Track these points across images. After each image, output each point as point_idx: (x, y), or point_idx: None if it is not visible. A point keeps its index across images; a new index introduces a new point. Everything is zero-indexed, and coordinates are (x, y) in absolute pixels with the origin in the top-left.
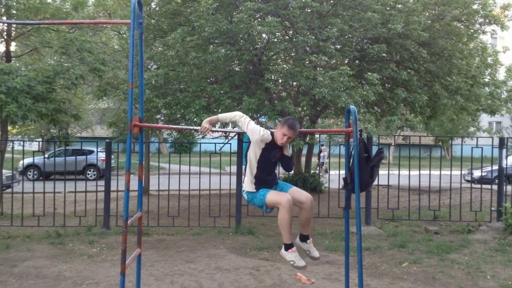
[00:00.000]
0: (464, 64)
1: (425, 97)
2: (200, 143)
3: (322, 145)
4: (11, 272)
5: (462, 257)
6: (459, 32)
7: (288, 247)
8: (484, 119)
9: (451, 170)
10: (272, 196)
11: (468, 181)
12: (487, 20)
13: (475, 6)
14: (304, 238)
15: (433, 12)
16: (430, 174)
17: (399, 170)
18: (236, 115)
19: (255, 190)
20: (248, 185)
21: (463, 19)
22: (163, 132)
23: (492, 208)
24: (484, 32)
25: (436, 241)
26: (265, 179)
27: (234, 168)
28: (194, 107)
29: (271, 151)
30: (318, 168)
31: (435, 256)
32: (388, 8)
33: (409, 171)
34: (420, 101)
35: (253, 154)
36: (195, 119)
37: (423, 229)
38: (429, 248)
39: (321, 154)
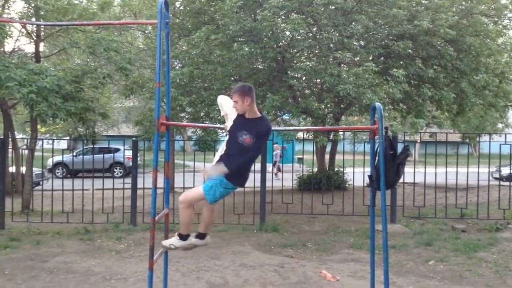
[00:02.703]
0: (491, 62)
1: (452, 95)
2: (224, 141)
3: (276, 143)
4: (43, 267)
5: (490, 255)
6: (487, 28)
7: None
8: None
9: (478, 168)
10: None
11: (496, 178)
12: None
13: (503, 1)
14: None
15: (461, 7)
16: (457, 171)
17: (425, 168)
18: (219, 99)
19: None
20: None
21: (491, 14)
22: (187, 130)
23: None
24: None
25: (463, 239)
26: (230, 155)
27: (258, 166)
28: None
29: (240, 128)
30: (272, 168)
31: (462, 254)
32: (414, 4)
33: (436, 168)
34: (447, 98)
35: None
36: (219, 117)
37: (450, 227)
38: (456, 246)
39: (274, 153)
